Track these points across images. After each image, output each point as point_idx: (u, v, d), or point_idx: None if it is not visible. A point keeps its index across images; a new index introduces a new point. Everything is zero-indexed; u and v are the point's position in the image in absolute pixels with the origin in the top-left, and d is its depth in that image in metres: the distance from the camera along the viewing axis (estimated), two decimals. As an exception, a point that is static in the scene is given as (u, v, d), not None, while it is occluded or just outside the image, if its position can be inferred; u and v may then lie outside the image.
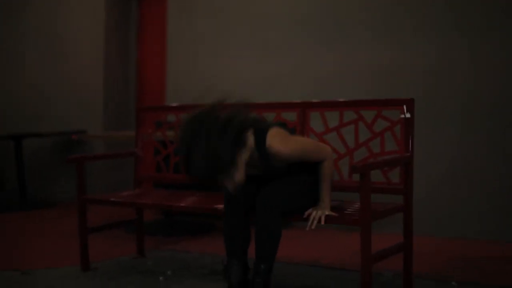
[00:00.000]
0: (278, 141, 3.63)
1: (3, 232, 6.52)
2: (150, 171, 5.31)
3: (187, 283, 4.38)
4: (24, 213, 7.74)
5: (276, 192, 3.71)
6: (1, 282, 4.49)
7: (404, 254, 4.05)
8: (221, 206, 4.13)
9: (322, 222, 3.68)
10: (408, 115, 4.08)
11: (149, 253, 5.35)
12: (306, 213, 3.74)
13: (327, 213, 3.71)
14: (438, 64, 5.99)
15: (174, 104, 5.50)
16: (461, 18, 5.92)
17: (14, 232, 6.50)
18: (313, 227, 3.68)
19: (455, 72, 5.92)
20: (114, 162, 8.22)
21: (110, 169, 8.32)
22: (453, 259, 5.10)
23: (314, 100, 4.53)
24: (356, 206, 4.02)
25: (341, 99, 4.43)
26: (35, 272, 4.77)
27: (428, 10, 6.06)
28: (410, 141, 4.06)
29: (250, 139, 3.60)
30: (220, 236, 6.00)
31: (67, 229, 6.43)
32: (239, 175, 3.53)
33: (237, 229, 3.83)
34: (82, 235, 4.86)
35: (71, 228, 6.36)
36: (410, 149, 4.06)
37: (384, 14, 6.27)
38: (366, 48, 6.32)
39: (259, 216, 3.67)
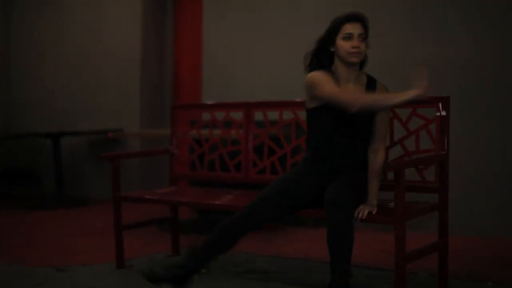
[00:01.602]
0: None
1: (39, 229, 6.58)
2: (184, 169, 5.32)
3: (222, 281, 4.38)
4: (61, 210, 7.81)
5: (344, 190, 3.69)
6: (36, 278, 4.53)
7: (439, 254, 4.01)
8: None
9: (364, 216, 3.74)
10: (443, 113, 4.04)
11: (184, 251, 5.35)
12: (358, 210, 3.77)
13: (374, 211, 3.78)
14: (471, 60, 5.93)
15: (208, 102, 5.50)
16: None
17: (50, 229, 6.56)
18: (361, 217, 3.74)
19: (489, 68, 5.85)
20: (149, 160, 8.25)
21: (145, 167, 8.35)
22: (488, 259, 5.05)
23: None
24: (391, 205, 3.99)
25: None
26: (70, 268, 4.80)
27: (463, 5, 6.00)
28: (446, 139, 4.02)
29: None
30: (254, 234, 6.00)
31: (102, 226, 6.47)
32: None
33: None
34: (117, 232, 4.88)
35: (106, 225, 6.40)
36: (445, 147, 4.01)
37: (415, 8, 6.22)
38: (399, 43, 6.27)
39: (329, 216, 3.64)
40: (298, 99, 4.79)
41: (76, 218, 7.27)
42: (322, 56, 3.99)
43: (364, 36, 3.85)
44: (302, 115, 4.72)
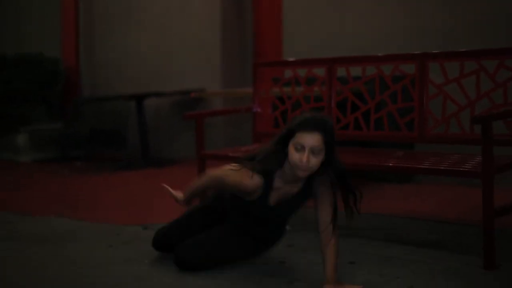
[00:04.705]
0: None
1: (126, 189, 6.69)
2: (268, 127, 5.32)
3: (307, 236, 4.37)
4: (146, 171, 7.92)
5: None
6: (125, 236, 4.63)
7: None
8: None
9: None
10: (533, 64, 3.93)
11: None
12: None
13: None
14: None
15: (291, 59, 5.48)
16: None
17: (136, 189, 6.67)
18: None
19: None
20: (232, 119, 8.28)
21: (228, 126, 8.38)
22: None
23: (433, 51, 4.43)
24: (478, 159, 3.91)
25: (461, 49, 4.31)
26: (157, 226, 4.86)
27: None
28: (535, 91, 3.92)
29: None
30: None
31: (187, 186, 6.53)
32: None
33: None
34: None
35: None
36: (535, 100, 3.92)
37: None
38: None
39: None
40: (380, 54, 4.73)
41: (161, 177, 7.36)
42: (275, 157, 3.35)
43: (320, 150, 3.18)
44: (386, 69, 4.68)
